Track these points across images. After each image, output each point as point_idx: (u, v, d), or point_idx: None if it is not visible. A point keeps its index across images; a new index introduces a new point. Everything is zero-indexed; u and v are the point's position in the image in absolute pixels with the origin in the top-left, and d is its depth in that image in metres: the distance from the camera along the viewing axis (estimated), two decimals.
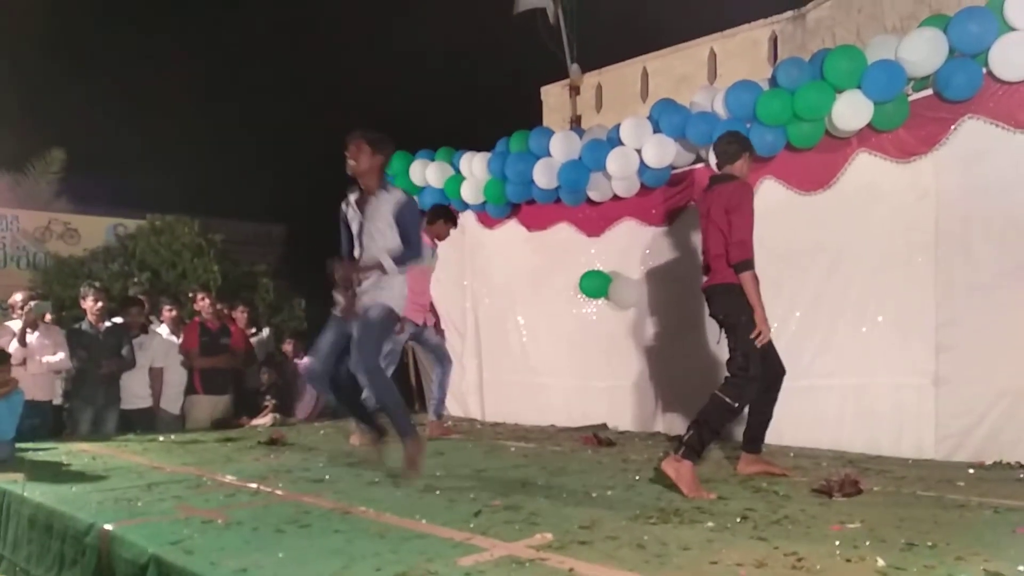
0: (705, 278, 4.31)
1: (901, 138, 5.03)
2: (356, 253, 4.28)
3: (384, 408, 4.30)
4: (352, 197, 4.32)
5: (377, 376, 4.16)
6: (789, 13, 10.90)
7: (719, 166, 4.39)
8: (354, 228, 4.29)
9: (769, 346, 4.14)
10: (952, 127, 4.83)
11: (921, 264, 4.96)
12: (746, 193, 4.18)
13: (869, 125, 5.03)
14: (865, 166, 5.15)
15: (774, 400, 4.25)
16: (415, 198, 4.34)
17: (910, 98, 4.96)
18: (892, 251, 5.06)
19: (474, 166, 7.15)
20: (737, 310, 4.09)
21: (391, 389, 4.29)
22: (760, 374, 4.03)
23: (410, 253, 4.22)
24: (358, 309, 4.16)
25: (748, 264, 4.05)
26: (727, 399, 3.96)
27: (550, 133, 6.79)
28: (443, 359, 6.19)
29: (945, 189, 4.88)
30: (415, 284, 5.97)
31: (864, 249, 5.15)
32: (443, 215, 6.22)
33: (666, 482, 3.85)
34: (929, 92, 4.89)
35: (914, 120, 4.95)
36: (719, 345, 5.86)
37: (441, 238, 6.21)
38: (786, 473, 4.18)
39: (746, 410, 4.19)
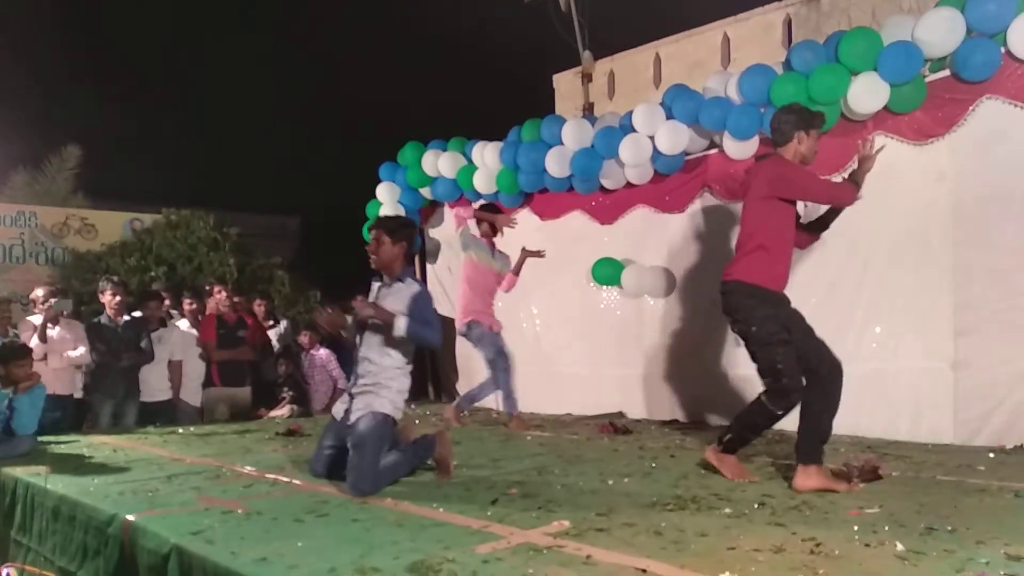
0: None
1: (918, 120, 4.97)
2: (357, 341, 4.01)
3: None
4: (376, 285, 4.12)
5: (371, 489, 3.61)
6: None
7: (774, 146, 3.89)
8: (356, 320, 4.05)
9: (809, 342, 3.72)
10: (970, 108, 4.77)
11: (938, 247, 4.91)
12: (786, 163, 3.73)
13: (885, 107, 4.97)
14: (883, 148, 5.09)
15: (829, 400, 3.65)
16: (429, 292, 4.10)
17: (927, 79, 4.90)
18: (909, 234, 5.02)
19: (486, 155, 7.14)
20: (745, 316, 3.75)
21: (394, 474, 3.81)
22: (798, 379, 3.61)
23: (428, 333, 3.88)
24: (348, 418, 3.84)
25: (854, 192, 3.69)
26: (770, 406, 3.65)
27: (562, 121, 6.77)
28: (509, 365, 6.06)
29: (962, 171, 4.83)
30: (487, 292, 6.11)
31: (881, 233, 5.10)
32: (490, 212, 6.24)
33: (710, 468, 3.87)
34: (946, 73, 4.84)
35: (931, 102, 4.90)
36: (731, 332, 5.88)
37: (491, 237, 6.20)
38: (850, 489, 3.50)
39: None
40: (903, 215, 5.02)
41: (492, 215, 6.24)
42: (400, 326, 3.77)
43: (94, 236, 10.79)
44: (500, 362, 6.00)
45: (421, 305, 3.91)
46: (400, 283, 3.99)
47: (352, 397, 3.93)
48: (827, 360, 3.68)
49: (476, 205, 6.70)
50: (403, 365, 3.94)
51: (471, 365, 7.93)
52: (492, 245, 6.21)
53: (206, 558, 2.66)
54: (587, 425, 6.01)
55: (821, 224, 4.07)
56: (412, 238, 4.19)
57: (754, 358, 3.76)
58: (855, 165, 3.85)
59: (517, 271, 6.28)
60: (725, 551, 2.58)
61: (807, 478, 3.53)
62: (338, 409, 4.03)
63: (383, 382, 3.87)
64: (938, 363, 4.88)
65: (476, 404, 6.38)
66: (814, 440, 3.62)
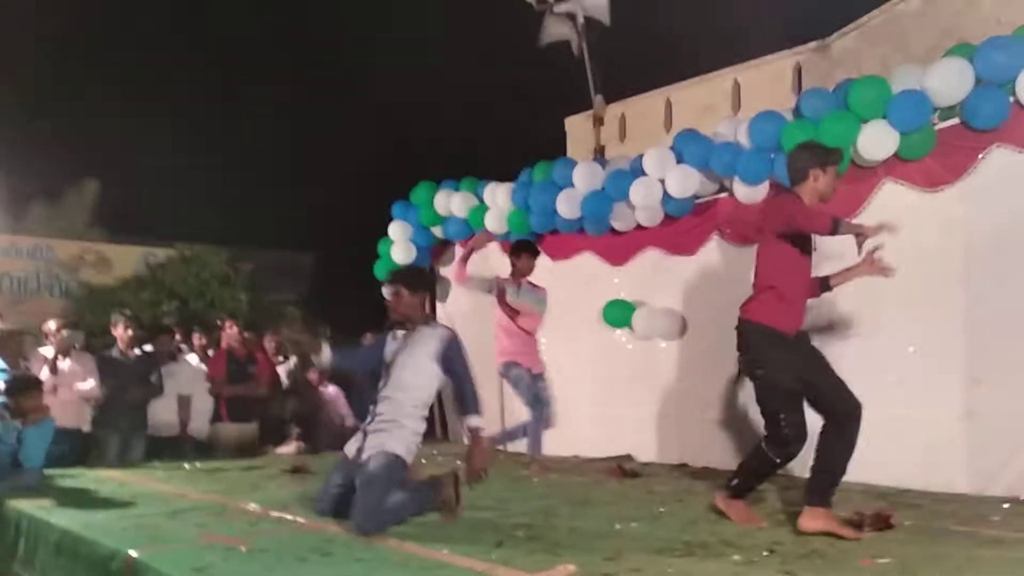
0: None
1: (928, 167, 4.99)
2: (382, 383, 4.03)
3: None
4: (400, 332, 4.15)
5: (375, 529, 3.58)
6: (813, 44, 10.91)
7: (791, 186, 3.81)
8: (387, 355, 4.07)
9: (827, 380, 3.65)
10: (980, 156, 4.79)
11: (950, 294, 4.89)
12: (789, 202, 3.64)
13: (895, 155, 5.00)
14: (892, 195, 5.11)
15: (844, 441, 3.56)
16: (458, 335, 4.14)
17: (936, 127, 4.93)
18: (921, 282, 4.99)
19: (498, 196, 7.21)
20: (755, 357, 3.70)
21: (399, 515, 3.78)
22: (802, 430, 3.54)
23: (472, 394, 4.00)
24: (360, 456, 3.85)
25: (832, 225, 3.49)
26: (769, 454, 3.62)
27: (573, 164, 6.84)
28: (550, 415, 5.97)
29: (974, 218, 4.83)
30: (515, 332, 5.98)
31: (892, 280, 5.08)
32: (525, 249, 6.13)
33: (719, 513, 3.82)
34: (956, 121, 4.87)
35: (941, 149, 4.92)
36: (744, 377, 5.84)
37: (526, 274, 6.09)
38: (857, 537, 3.41)
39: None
40: (915, 262, 5.00)
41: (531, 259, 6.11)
42: (475, 423, 3.94)
43: (109, 270, 10.91)
44: (536, 409, 5.89)
45: (453, 351, 4.03)
46: (426, 328, 4.13)
47: (366, 435, 3.92)
48: (845, 400, 3.59)
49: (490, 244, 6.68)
50: (422, 406, 3.99)
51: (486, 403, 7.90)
52: (521, 284, 6.08)
53: None
54: (595, 467, 5.95)
55: (823, 284, 4.01)
56: (427, 286, 4.38)
57: (758, 401, 3.73)
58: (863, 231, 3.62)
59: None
60: None
61: (813, 519, 3.48)
62: (350, 448, 4.00)
63: (400, 420, 3.89)
64: (951, 411, 4.82)
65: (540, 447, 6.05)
66: (825, 481, 3.56)
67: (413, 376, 3.97)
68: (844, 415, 3.56)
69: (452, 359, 4.00)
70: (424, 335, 4.05)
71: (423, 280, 4.33)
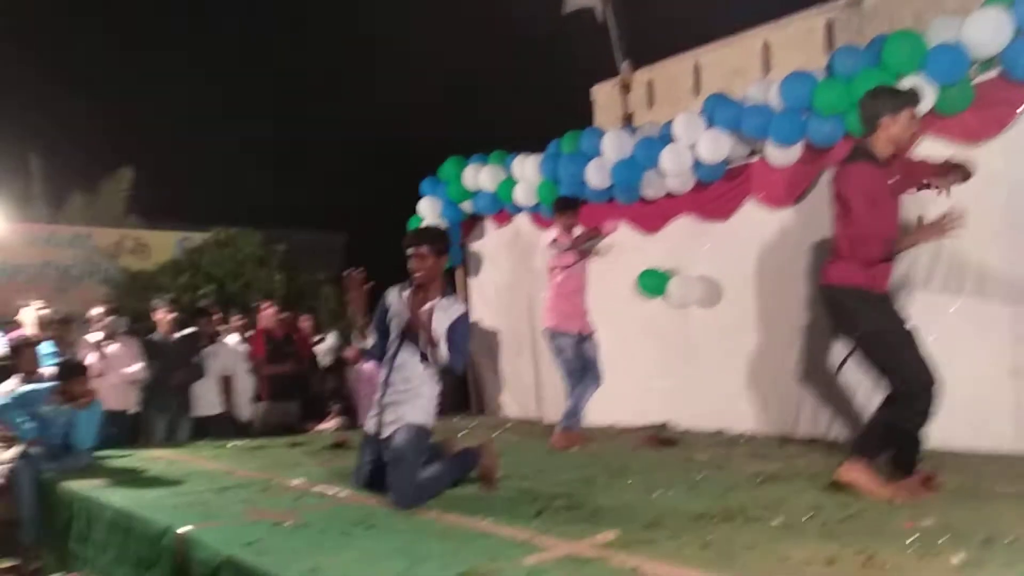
0: None
1: (967, 122, 4.85)
2: (391, 352, 3.96)
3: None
4: (405, 292, 3.99)
5: (414, 502, 3.61)
6: (844, 0, 10.62)
7: (864, 138, 3.66)
8: (398, 323, 3.95)
9: (909, 346, 3.52)
10: (1020, 109, 4.64)
11: (994, 252, 4.78)
12: (860, 177, 3.48)
13: (932, 110, 4.87)
14: (930, 152, 4.98)
15: (913, 411, 3.50)
16: (464, 308, 4.05)
17: (974, 81, 4.79)
18: (964, 240, 4.88)
19: (527, 168, 7.18)
20: (848, 320, 3.59)
21: (437, 487, 3.80)
22: (924, 379, 3.42)
23: (456, 360, 3.88)
24: (382, 431, 3.86)
25: (886, 255, 3.45)
26: (897, 420, 3.47)
27: (601, 133, 6.77)
28: (596, 376, 5.74)
29: (1015, 173, 4.70)
30: (562, 295, 5.72)
31: (936, 238, 4.97)
32: (566, 206, 5.84)
33: (846, 489, 3.53)
34: (995, 74, 4.72)
35: (980, 103, 4.78)
36: (779, 341, 5.79)
37: (567, 232, 5.81)
38: (893, 498, 3.37)
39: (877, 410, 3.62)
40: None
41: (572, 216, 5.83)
42: (443, 354, 3.80)
43: (147, 256, 11.11)
44: (576, 377, 5.73)
45: (461, 329, 3.91)
46: (443, 301, 3.94)
47: (383, 408, 3.90)
48: (923, 371, 3.47)
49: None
50: (433, 371, 3.95)
51: (515, 376, 7.95)
52: (569, 238, 5.79)
53: (257, 569, 2.71)
54: (632, 436, 5.97)
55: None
56: (449, 248, 4.18)
57: (869, 361, 3.60)
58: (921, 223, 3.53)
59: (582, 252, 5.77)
60: (775, 563, 2.54)
61: (851, 471, 3.47)
62: (370, 424, 4.01)
63: (416, 388, 3.88)
64: (997, 371, 4.74)
65: (579, 414, 5.83)
66: (875, 440, 3.54)
67: (424, 351, 3.87)
68: (919, 386, 3.45)
69: (455, 329, 3.87)
70: (445, 307, 3.90)
71: (447, 243, 4.11)
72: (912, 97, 3.64)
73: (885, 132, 3.56)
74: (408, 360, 3.91)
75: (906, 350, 3.50)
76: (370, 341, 4.10)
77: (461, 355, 3.92)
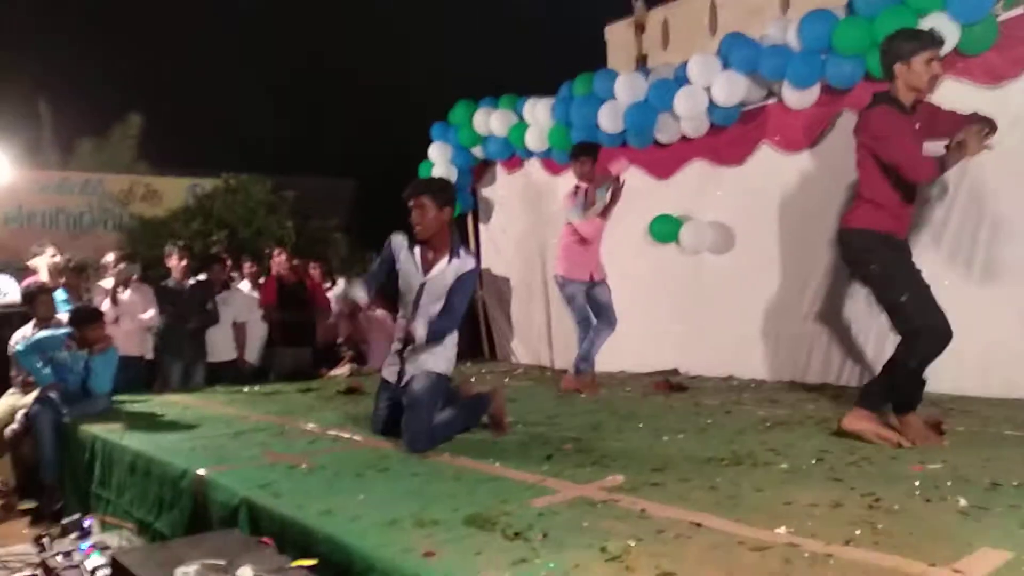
0: None
1: (990, 62, 4.72)
2: (406, 310, 3.89)
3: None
4: (417, 249, 3.86)
5: (426, 446, 3.64)
6: None
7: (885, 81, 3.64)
8: (413, 285, 3.84)
9: (921, 292, 3.49)
10: None
11: (1011, 194, 4.70)
12: (885, 117, 3.46)
13: (955, 50, 4.73)
14: (952, 93, 4.83)
15: (919, 358, 3.46)
16: (476, 272, 3.94)
17: (999, 18, 4.64)
18: (982, 182, 4.80)
19: (538, 112, 7.08)
20: (861, 260, 3.62)
21: (449, 431, 3.83)
22: (932, 319, 3.39)
23: (444, 324, 3.78)
24: (401, 379, 3.86)
25: (927, 172, 3.45)
26: (901, 359, 3.45)
27: (615, 75, 6.64)
28: (610, 320, 5.65)
29: None
30: (573, 242, 5.61)
31: (952, 181, 4.90)
32: (583, 152, 5.67)
33: (852, 437, 3.53)
34: (1020, 11, 4.58)
35: (1004, 42, 4.65)
36: (791, 288, 5.76)
37: (586, 179, 5.63)
38: (899, 444, 3.39)
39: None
40: (975, 163, 4.79)
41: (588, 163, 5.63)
42: (420, 336, 3.71)
43: (158, 202, 11.11)
44: (586, 324, 5.69)
45: (462, 288, 3.81)
46: (457, 259, 3.80)
47: (403, 359, 3.90)
48: (932, 313, 3.44)
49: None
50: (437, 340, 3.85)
51: (527, 323, 7.98)
52: (585, 192, 5.64)
53: (273, 510, 2.77)
54: (642, 382, 6.01)
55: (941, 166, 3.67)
56: (455, 200, 4.01)
57: (879, 300, 3.62)
58: (961, 138, 3.44)
59: (604, 214, 5.64)
60: (781, 506, 2.57)
61: (856, 420, 3.52)
62: (389, 373, 3.99)
63: (433, 347, 3.84)
64: (1008, 314, 4.70)
65: (591, 359, 5.78)
66: (881, 388, 3.57)
67: (435, 303, 3.81)
68: (928, 331, 3.41)
69: (455, 290, 3.78)
70: (451, 270, 3.79)
71: (452, 193, 3.93)
72: (928, 40, 3.53)
73: (902, 78, 3.51)
74: (432, 309, 3.83)
75: (920, 297, 3.49)
76: (360, 292, 3.91)
77: (452, 318, 3.80)
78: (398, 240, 3.91)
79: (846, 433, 3.55)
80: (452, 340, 3.94)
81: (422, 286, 3.82)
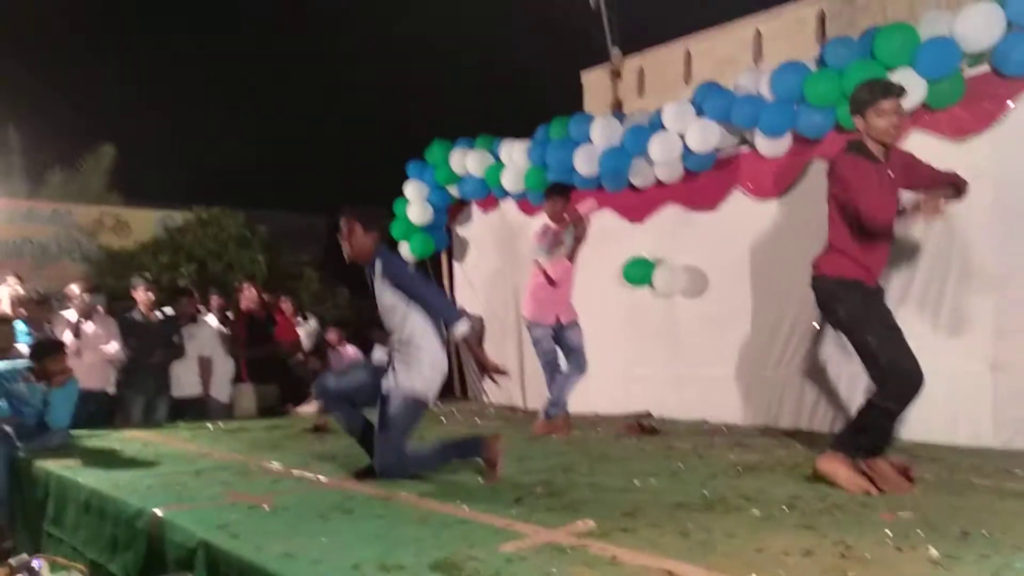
0: None
1: (956, 117, 4.85)
2: (399, 318, 3.88)
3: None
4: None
5: (396, 471, 3.70)
6: None
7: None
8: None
9: (893, 338, 3.52)
10: (1010, 104, 4.64)
11: (979, 246, 4.79)
12: (853, 166, 3.53)
13: (923, 104, 4.86)
14: (919, 146, 4.95)
15: (894, 402, 3.48)
16: (389, 253, 3.96)
17: (965, 75, 4.78)
18: (950, 234, 4.89)
19: (514, 153, 7.13)
20: (829, 306, 3.67)
21: (426, 464, 3.87)
22: (900, 362, 3.42)
23: (440, 304, 3.85)
24: (382, 388, 3.82)
25: (883, 223, 3.48)
26: (874, 402, 3.48)
27: (591, 119, 6.73)
28: (579, 364, 5.62)
29: (1003, 169, 4.70)
30: (540, 284, 5.55)
31: (920, 232, 4.99)
32: (555, 192, 5.63)
33: (825, 480, 3.54)
34: (985, 68, 4.72)
35: (970, 98, 4.78)
36: (763, 332, 5.79)
37: (556, 219, 5.57)
38: (868, 491, 3.39)
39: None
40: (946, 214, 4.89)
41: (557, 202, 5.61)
42: (460, 332, 3.72)
43: (127, 234, 10.98)
44: (552, 369, 5.65)
45: (391, 269, 3.80)
46: (374, 263, 3.85)
47: (394, 368, 3.81)
48: (904, 360, 3.46)
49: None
50: (419, 335, 3.79)
51: (500, 363, 7.90)
52: (555, 233, 5.56)
53: (232, 552, 2.67)
54: (614, 424, 5.96)
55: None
56: (384, 230, 4.10)
57: (853, 345, 3.63)
58: (917, 202, 3.55)
59: (571, 255, 5.63)
60: (753, 553, 2.53)
61: (829, 462, 3.53)
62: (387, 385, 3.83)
63: (410, 356, 3.77)
64: (978, 364, 4.76)
65: (562, 403, 5.71)
66: (857, 433, 3.57)
67: (392, 315, 3.82)
68: (896, 374, 3.43)
69: (395, 276, 3.78)
70: (375, 271, 3.85)
71: (378, 222, 4.01)
72: (885, 89, 3.60)
73: (863, 127, 3.59)
74: (395, 335, 3.84)
75: (889, 339, 3.52)
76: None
77: (430, 296, 3.79)
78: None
79: (820, 474, 3.55)
80: (429, 359, 3.80)
81: (376, 302, 3.89)
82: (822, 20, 10.22)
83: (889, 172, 3.62)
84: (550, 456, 4.60)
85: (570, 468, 4.15)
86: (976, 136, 4.79)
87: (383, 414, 3.74)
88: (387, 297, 3.81)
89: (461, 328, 3.72)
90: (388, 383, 3.80)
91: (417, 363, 3.78)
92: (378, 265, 3.84)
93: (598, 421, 6.31)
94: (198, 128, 20.84)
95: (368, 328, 8.88)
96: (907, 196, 3.74)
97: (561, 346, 5.70)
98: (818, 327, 5.11)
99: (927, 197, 3.53)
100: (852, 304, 3.61)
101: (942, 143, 4.89)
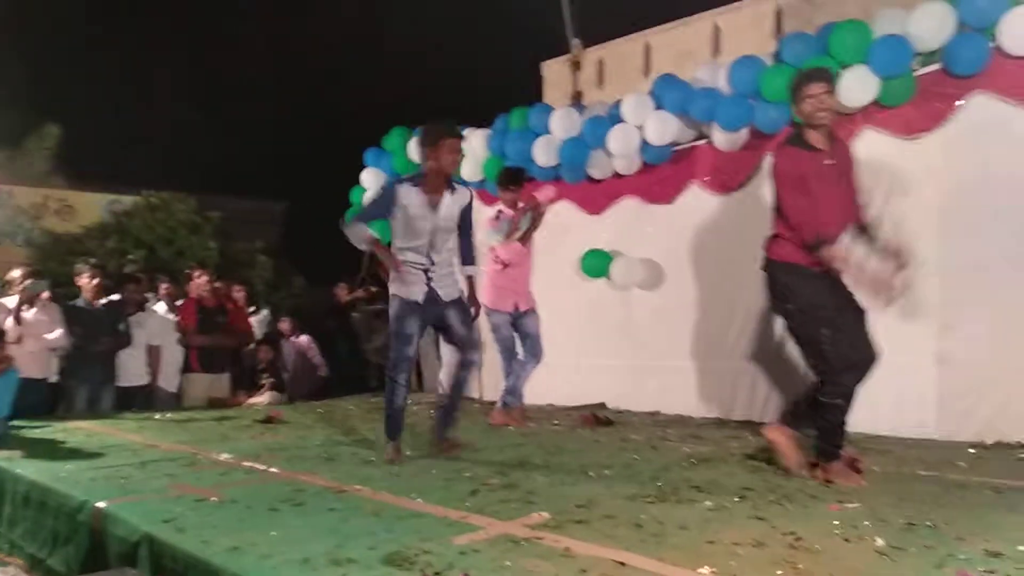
0: None
1: (907, 115, 4.94)
2: (423, 246, 4.17)
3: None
4: (415, 190, 4.11)
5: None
6: None
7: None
8: (424, 224, 4.13)
9: (846, 321, 3.52)
10: (959, 103, 4.75)
11: (926, 242, 4.88)
12: (784, 162, 3.54)
13: (875, 101, 4.94)
14: (871, 143, 5.06)
15: (841, 386, 3.50)
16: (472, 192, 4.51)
17: (917, 73, 4.87)
18: (897, 229, 4.97)
19: (474, 143, 7.07)
20: (779, 297, 3.64)
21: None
22: (850, 360, 3.44)
23: (467, 245, 4.48)
24: (441, 297, 4.26)
25: (815, 245, 3.44)
26: (822, 397, 3.49)
27: (550, 110, 6.71)
28: (535, 352, 5.64)
29: (951, 166, 4.81)
30: (496, 270, 5.59)
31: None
32: (510, 179, 5.63)
33: (769, 451, 3.76)
34: (936, 67, 4.81)
35: (921, 96, 4.87)
36: (717, 325, 5.86)
37: (510, 205, 5.60)
38: (800, 473, 3.56)
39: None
40: (896, 207, 4.99)
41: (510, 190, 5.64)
42: (471, 271, 4.47)
43: (72, 218, 10.64)
44: (510, 356, 5.66)
45: (467, 216, 4.35)
46: (458, 192, 4.26)
47: (430, 280, 4.20)
48: (851, 351, 3.48)
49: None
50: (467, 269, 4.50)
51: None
52: (510, 219, 5.59)
53: (176, 547, 2.61)
54: (569, 416, 5.98)
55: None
56: (440, 141, 4.32)
57: (795, 337, 3.67)
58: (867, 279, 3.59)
59: (525, 239, 5.62)
60: (704, 544, 2.55)
61: (777, 432, 3.71)
62: (415, 293, 4.18)
63: (452, 269, 4.33)
64: (922, 358, 4.87)
65: (518, 392, 5.74)
66: (803, 412, 3.65)
67: (448, 235, 4.26)
68: (843, 365, 3.45)
69: (469, 209, 4.34)
70: (455, 205, 4.22)
71: (435, 136, 4.20)
72: (814, 74, 3.62)
73: (801, 114, 3.61)
74: (444, 252, 4.27)
75: (835, 328, 3.49)
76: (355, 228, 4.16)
77: (471, 238, 4.43)
78: (404, 187, 4.14)
79: (766, 441, 3.76)
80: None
81: (436, 224, 4.18)
82: (779, 16, 10.34)
83: (829, 161, 3.57)
84: (506, 448, 4.59)
85: (525, 460, 4.15)
86: (927, 134, 4.89)
87: (463, 310, 4.30)
88: (454, 221, 4.26)
89: (472, 270, 4.50)
90: (443, 286, 4.23)
91: (455, 277, 4.37)
92: (467, 192, 4.33)
93: (554, 412, 6.32)
94: (147, 109, 20.25)
95: (325, 317, 8.76)
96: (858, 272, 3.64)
97: (518, 333, 5.69)
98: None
99: (877, 278, 3.58)
100: (795, 290, 3.57)
101: (894, 141, 4.98)
